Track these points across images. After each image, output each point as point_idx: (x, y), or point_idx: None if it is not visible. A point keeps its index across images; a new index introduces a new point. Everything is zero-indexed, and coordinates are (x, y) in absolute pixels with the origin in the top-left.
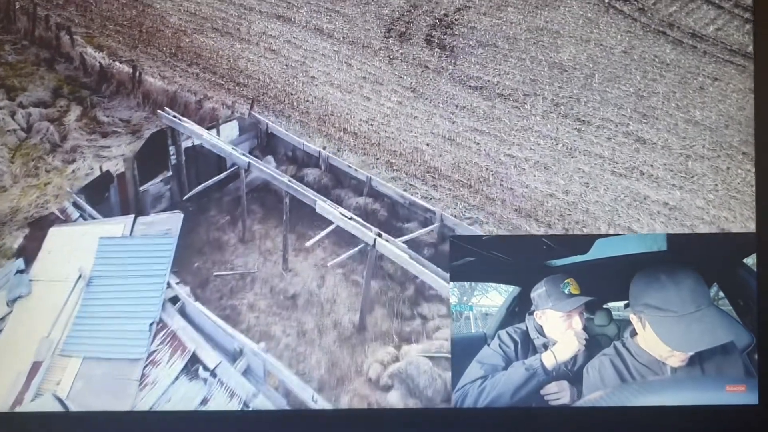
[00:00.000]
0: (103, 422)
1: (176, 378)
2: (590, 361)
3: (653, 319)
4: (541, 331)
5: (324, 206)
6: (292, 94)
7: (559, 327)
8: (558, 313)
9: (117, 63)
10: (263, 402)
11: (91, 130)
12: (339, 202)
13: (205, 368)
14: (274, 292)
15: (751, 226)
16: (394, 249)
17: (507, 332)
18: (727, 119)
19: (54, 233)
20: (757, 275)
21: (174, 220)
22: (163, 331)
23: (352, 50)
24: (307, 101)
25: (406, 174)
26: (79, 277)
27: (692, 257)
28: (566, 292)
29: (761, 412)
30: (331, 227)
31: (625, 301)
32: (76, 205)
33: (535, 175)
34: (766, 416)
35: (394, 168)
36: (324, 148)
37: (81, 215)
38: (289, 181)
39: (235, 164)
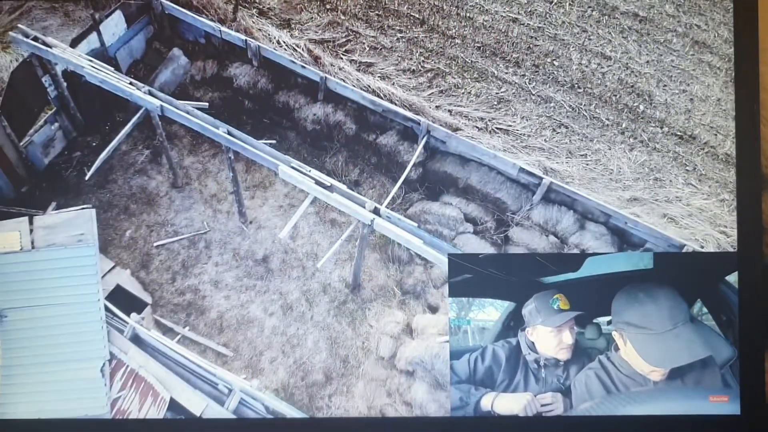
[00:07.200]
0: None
1: None
2: (576, 376)
3: (633, 336)
4: (533, 347)
5: (291, 173)
6: None
7: (550, 342)
8: (548, 329)
9: None
10: None
11: None
12: (287, 111)
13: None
14: (238, 256)
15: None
16: (394, 229)
17: (493, 348)
18: None
19: None
20: (738, 292)
21: (85, 220)
22: (121, 371)
23: None
24: None
25: (344, 14)
26: None
27: (677, 275)
28: (555, 307)
29: (743, 422)
30: (308, 201)
31: (609, 317)
32: None
33: None
34: (747, 426)
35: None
36: (246, 33)
37: None
38: (228, 132)
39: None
